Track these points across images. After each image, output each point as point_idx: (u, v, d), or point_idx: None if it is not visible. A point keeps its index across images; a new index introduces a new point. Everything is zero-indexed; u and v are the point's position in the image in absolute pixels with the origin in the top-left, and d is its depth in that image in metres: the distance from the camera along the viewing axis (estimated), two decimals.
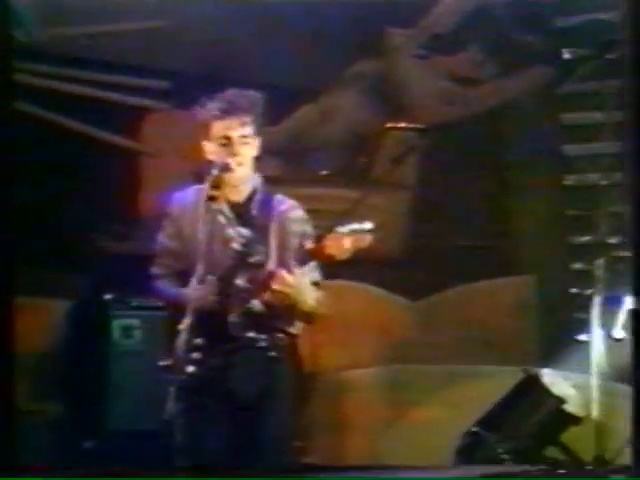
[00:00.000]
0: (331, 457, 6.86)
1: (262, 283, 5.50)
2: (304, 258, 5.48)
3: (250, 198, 5.57)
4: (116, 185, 7.15)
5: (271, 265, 5.50)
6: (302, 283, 5.44)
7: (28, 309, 6.07)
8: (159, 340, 5.70)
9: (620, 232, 6.83)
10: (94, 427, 6.61)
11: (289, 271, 5.43)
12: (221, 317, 5.50)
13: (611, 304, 6.17)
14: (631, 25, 5.66)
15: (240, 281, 5.51)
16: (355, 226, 5.33)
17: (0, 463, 5.57)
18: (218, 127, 5.51)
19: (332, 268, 5.50)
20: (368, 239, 5.35)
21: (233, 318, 5.48)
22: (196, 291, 5.53)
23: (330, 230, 5.34)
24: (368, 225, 5.33)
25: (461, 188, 7.52)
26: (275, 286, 5.41)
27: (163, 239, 5.66)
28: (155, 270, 5.63)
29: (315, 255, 5.42)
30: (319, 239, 5.42)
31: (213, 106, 5.54)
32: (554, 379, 6.32)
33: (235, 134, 5.50)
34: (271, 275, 5.47)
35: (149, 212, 6.67)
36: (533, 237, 7.71)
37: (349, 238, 5.35)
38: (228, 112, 5.53)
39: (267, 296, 5.47)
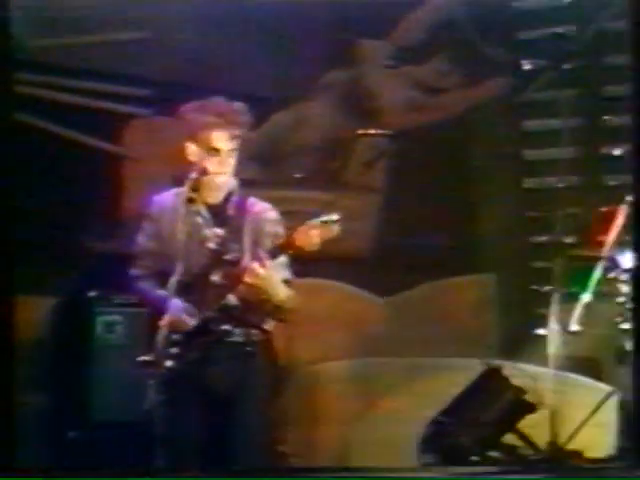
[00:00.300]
0: (304, 446, 6.85)
1: (236, 277, 5.52)
2: (275, 251, 5.52)
3: (226, 200, 5.61)
4: (100, 188, 7.17)
5: (246, 262, 5.52)
6: (273, 277, 5.46)
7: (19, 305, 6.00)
8: (140, 335, 5.80)
9: (576, 232, 6.87)
10: (78, 418, 6.63)
11: (261, 265, 5.44)
12: (199, 313, 5.55)
13: (567, 300, 6.17)
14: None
15: (216, 278, 5.56)
16: (323, 217, 5.40)
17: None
18: (209, 138, 5.56)
19: (306, 266, 5.58)
20: (335, 230, 5.40)
21: (210, 314, 5.53)
22: (173, 306, 5.54)
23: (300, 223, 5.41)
24: (335, 216, 5.40)
25: (428, 191, 7.55)
26: (247, 279, 5.44)
27: (143, 240, 5.71)
28: (135, 271, 5.70)
29: (286, 247, 5.48)
30: (289, 231, 5.49)
31: (205, 117, 5.60)
32: (514, 371, 6.32)
33: (225, 147, 5.55)
34: (244, 268, 5.48)
35: (131, 213, 6.68)
36: (496, 237, 7.75)
37: (317, 229, 5.42)
38: (220, 125, 5.59)
39: (241, 290, 5.49)
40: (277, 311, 5.61)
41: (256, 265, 5.44)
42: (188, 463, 5.64)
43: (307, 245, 5.45)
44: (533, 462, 6.04)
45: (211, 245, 5.60)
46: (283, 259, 5.61)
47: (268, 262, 5.46)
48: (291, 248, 5.48)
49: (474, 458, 5.97)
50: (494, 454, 6.02)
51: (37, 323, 6.87)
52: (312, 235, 5.44)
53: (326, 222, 5.40)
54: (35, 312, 6.80)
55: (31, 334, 6.78)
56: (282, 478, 5.92)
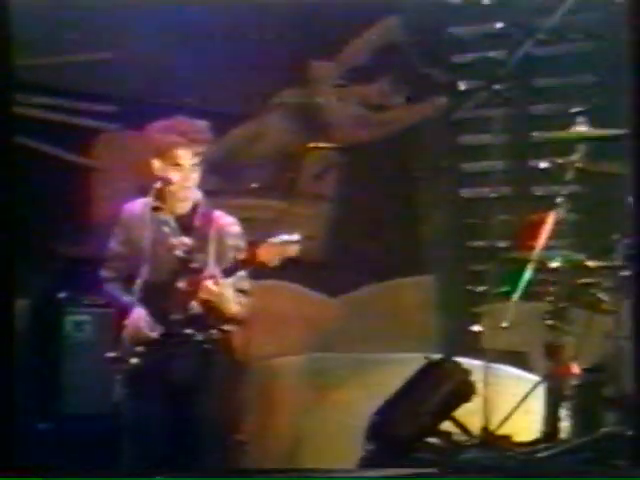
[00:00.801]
0: (261, 436, 6.85)
1: (198, 284, 5.59)
2: (238, 266, 5.56)
3: (193, 211, 5.66)
4: (73, 197, 7.16)
5: (209, 271, 5.58)
6: (226, 293, 5.54)
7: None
8: (107, 334, 5.86)
9: (508, 237, 6.86)
10: (48, 410, 6.61)
11: (215, 283, 5.52)
12: (163, 315, 5.60)
13: (500, 299, 6.21)
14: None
15: (181, 284, 5.60)
16: (285, 237, 5.48)
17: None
18: (173, 155, 5.61)
19: (263, 269, 5.60)
20: (295, 249, 5.51)
21: (173, 316, 5.60)
22: (135, 313, 5.62)
23: (263, 240, 5.50)
24: (296, 237, 5.51)
25: (374, 199, 7.57)
26: (202, 295, 5.55)
27: (113, 245, 5.73)
28: (105, 273, 5.72)
29: (249, 262, 5.53)
30: (253, 247, 5.54)
31: (169, 136, 5.66)
32: (451, 364, 6.27)
33: (188, 163, 5.61)
34: (200, 286, 5.56)
35: (102, 221, 6.65)
36: (436, 242, 7.75)
37: (279, 247, 5.49)
38: (183, 143, 5.64)
39: (201, 296, 5.57)
40: (229, 318, 5.65)
41: (211, 284, 5.52)
42: (152, 452, 5.63)
43: (268, 262, 5.51)
44: (467, 446, 6.01)
45: (178, 253, 5.61)
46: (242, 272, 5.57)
47: (221, 280, 5.52)
48: (253, 264, 5.52)
49: (414, 444, 5.97)
50: (432, 441, 6.02)
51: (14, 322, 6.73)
52: (273, 253, 5.49)
53: (287, 242, 5.48)
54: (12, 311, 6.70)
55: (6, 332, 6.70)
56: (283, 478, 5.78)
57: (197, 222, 5.64)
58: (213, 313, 5.66)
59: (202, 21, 7.24)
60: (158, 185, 5.70)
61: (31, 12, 6.54)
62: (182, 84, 7.19)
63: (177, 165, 5.61)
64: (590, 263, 6.13)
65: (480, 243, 7.43)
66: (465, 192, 7.72)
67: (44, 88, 7.15)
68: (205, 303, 5.63)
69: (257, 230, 5.94)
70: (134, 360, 5.62)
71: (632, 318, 5.97)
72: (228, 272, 5.51)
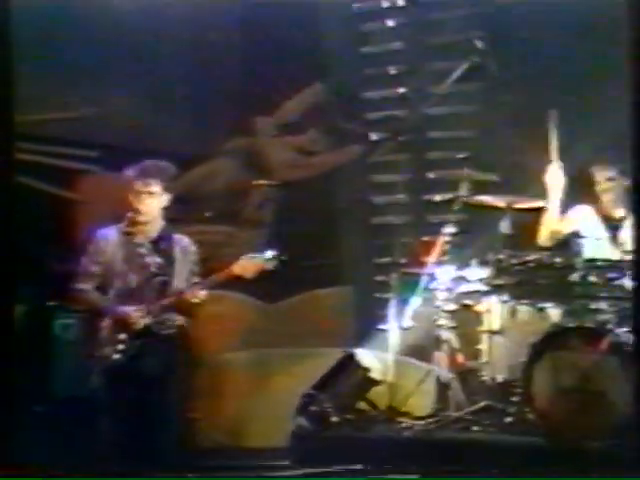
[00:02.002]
0: (212, 414, 6.68)
1: (162, 301, 5.68)
2: (216, 280, 5.67)
3: (160, 236, 5.77)
4: (63, 224, 7.06)
5: (174, 284, 5.69)
6: (187, 300, 5.66)
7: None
8: (88, 334, 5.79)
9: (407, 255, 6.91)
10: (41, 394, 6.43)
11: (194, 295, 5.65)
12: (133, 317, 5.66)
13: (401, 304, 6.25)
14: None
15: (150, 294, 5.70)
16: (257, 255, 5.69)
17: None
18: (138, 187, 5.74)
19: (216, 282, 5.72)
20: (270, 264, 5.71)
21: (143, 320, 5.68)
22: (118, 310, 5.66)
23: (239, 259, 5.66)
24: (269, 254, 5.72)
25: (304, 225, 7.43)
26: (166, 302, 5.69)
27: (88, 263, 5.79)
28: (81, 285, 5.79)
29: (227, 276, 5.68)
30: (229, 265, 5.67)
31: (136, 173, 5.79)
32: (364, 356, 6.29)
33: (155, 196, 5.73)
34: (166, 296, 5.68)
35: (84, 242, 6.21)
36: (353, 259, 7.65)
37: (252, 264, 5.67)
38: (145, 179, 5.75)
39: (167, 303, 5.69)
40: (188, 316, 5.79)
41: (190, 294, 5.64)
42: (123, 427, 5.61)
43: (244, 275, 5.65)
44: (376, 420, 6.08)
45: (152, 269, 5.70)
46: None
47: (200, 292, 5.65)
48: (231, 277, 5.68)
49: (334, 419, 5.98)
50: (349, 417, 6.04)
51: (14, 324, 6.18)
52: (248, 268, 5.67)
53: (260, 259, 5.67)
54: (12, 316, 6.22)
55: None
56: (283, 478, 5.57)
57: (163, 244, 5.75)
58: (181, 315, 5.72)
59: (169, 88, 7.33)
60: (130, 214, 5.78)
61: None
62: (151, 135, 7.20)
63: (146, 198, 5.72)
64: (469, 275, 6.21)
65: (386, 260, 7.40)
66: (375, 220, 7.69)
67: (40, 138, 7.08)
68: (177, 308, 5.68)
69: (210, 250, 6.09)
70: (108, 354, 5.64)
71: (500, 316, 6.02)
72: (207, 285, 5.65)
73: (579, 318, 5.86)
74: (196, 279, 5.70)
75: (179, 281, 5.70)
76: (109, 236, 5.80)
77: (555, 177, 6.37)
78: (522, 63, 6.93)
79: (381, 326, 6.50)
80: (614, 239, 6.37)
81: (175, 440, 5.73)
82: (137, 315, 5.64)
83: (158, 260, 5.70)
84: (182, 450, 5.80)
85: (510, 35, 6.93)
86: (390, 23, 7.59)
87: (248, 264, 5.65)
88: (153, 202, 5.71)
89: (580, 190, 6.51)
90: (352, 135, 7.70)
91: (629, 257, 5.98)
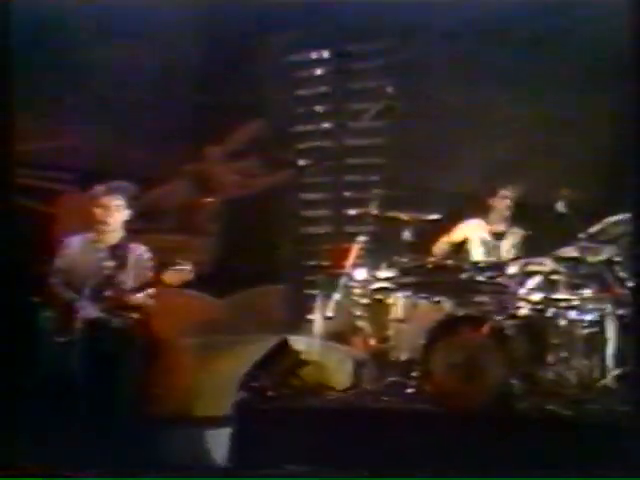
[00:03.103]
0: (170, 389, 6.43)
1: (122, 292, 5.71)
2: (150, 283, 5.71)
3: (119, 244, 5.83)
4: (45, 233, 6.90)
5: (128, 284, 5.73)
6: (137, 298, 5.71)
7: None
8: (57, 323, 5.72)
9: (329, 259, 7.02)
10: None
11: (131, 292, 5.70)
12: (88, 313, 5.70)
13: (325, 299, 6.36)
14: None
15: (109, 293, 5.74)
16: (181, 267, 5.67)
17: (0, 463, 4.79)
18: (104, 202, 5.81)
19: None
20: (189, 274, 5.68)
21: (101, 314, 5.73)
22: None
23: (168, 268, 5.67)
24: (189, 266, 5.69)
25: (247, 234, 7.45)
26: (116, 299, 5.74)
27: (59, 263, 5.86)
28: (54, 280, 5.85)
29: (158, 282, 5.72)
30: (163, 272, 5.68)
31: (102, 192, 5.84)
32: (295, 341, 6.44)
33: (118, 211, 5.80)
34: (121, 295, 5.72)
35: (62, 247, 6.03)
36: (285, 263, 7.70)
37: (179, 273, 5.68)
38: (110, 196, 5.82)
39: (117, 303, 5.73)
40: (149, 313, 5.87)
41: (139, 293, 5.68)
42: (90, 400, 5.56)
43: (171, 283, 5.72)
44: (306, 394, 6.18)
45: (107, 272, 5.75)
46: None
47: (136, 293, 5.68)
48: (162, 284, 5.74)
49: (271, 394, 6.08)
50: (283, 391, 6.15)
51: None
52: (174, 277, 5.68)
53: (182, 269, 5.67)
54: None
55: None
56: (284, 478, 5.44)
57: (119, 251, 5.82)
58: (132, 310, 5.77)
59: (133, 122, 7.24)
60: (97, 225, 5.86)
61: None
62: (117, 160, 7.19)
63: (110, 212, 5.82)
64: (379, 275, 6.44)
65: (313, 263, 7.63)
66: (303, 230, 7.88)
67: (26, 164, 6.82)
68: (127, 304, 5.72)
69: (167, 256, 6.00)
70: (76, 340, 5.64)
71: (404, 307, 6.15)
72: (149, 285, 5.76)
73: (466, 309, 6.12)
74: (147, 281, 5.73)
75: (131, 282, 5.74)
76: (76, 242, 5.90)
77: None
78: (423, 104, 7.14)
79: (309, 316, 6.67)
80: (496, 246, 6.66)
81: (132, 408, 5.70)
82: (91, 309, 5.67)
83: (113, 264, 5.75)
84: (139, 418, 5.74)
85: (414, 83, 7.13)
86: (318, 71, 7.87)
87: (173, 274, 5.65)
88: (116, 215, 5.79)
89: (470, 206, 6.78)
90: (285, 161, 7.78)
91: (507, 260, 6.35)
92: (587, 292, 6.02)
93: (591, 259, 5.98)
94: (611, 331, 5.91)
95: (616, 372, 5.83)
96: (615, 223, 6.02)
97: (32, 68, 6.57)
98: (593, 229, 6.06)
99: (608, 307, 5.93)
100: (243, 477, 5.52)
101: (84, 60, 7.06)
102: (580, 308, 5.99)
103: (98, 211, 5.81)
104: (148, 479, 5.13)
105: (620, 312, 5.89)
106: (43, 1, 6.68)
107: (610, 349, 5.90)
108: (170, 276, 5.64)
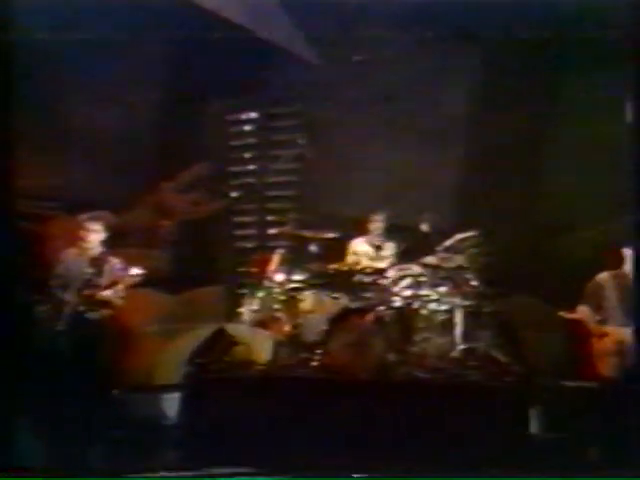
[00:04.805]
0: (134, 365, 6.48)
1: (95, 296, 5.87)
2: (115, 284, 5.82)
3: (97, 257, 5.99)
4: (42, 248, 6.81)
5: (103, 286, 5.86)
6: (110, 296, 5.88)
7: None
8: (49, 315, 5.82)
9: (255, 266, 6.91)
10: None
11: (105, 292, 5.85)
12: (75, 307, 5.85)
13: (252, 295, 6.40)
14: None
15: (89, 292, 5.85)
16: (135, 272, 5.83)
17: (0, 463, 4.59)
18: (87, 226, 6.00)
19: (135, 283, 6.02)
20: (139, 280, 5.79)
21: (82, 308, 5.83)
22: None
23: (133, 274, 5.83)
24: (140, 272, 5.80)
25: (197, 248, 7.53)
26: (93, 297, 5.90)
27: (57, 269, 5.98)
28: (53, 283, 5.98)
29: (128, 283, 5.85)
30: (129, 277, 5.80)
31: (86, 218, 6.04)
32: (230, 328, 6.44)
33: (97, 233, 5.99)
34: (98, 294, 5.88)
35: (59, 257, 6.06)
36: (222, 269, 7.67)
37: (141, 277, 5.79)
38: (91, 222, 6.01)
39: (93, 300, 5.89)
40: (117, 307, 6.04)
41: (109, 293, 5.82)
42: (72, 372, 5.60)
43: (136, 284, 5.87)
44: (238, 367, 6.11)
45: (87, 277, 5.92)
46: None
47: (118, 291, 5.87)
48: (128, 285, 5.87)
49: (212, 367, 5.99)
50: (221, 365, 6.03)
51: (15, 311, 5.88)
52: (137, 280, 5.86)
53: (135, 275, 5.87)
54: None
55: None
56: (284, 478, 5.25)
57: (98, 262, 6.01)
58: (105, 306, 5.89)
59: (106, 162, 7.27)
60: (82, 242, 6.05)
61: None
62: (95, 193, 7.06)
63: (92, 233, 6.04)
64: (294, 278, 6.57)
65: (243, 269, 7.60)
66: (236, 245, 7.86)
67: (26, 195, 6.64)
68: (102, 301, 5.82)
69: (133, 265, 6.01)
70: (64, 326, 5.72)
71: (311, 302, 6.18)
72: (113, 288, 5.94)
73: (357, 303, 6.35)
74: (117, 284, 5.88)
75: (105, 284, 5.89)
76: (66, 255, 6.09)
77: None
78: (325, 152, 7.38)
79: (240, 309, 6.62)
80: (378, 256, 6.78)
81: (105, 378, 5.77)
82: (74, 304, 5.80)
83: (92, 271, 5.91)
84: (111, 385, 5.81)
85: (319, 137, 7.31)
86: (247, 128, 8.18)
87: (137, 278, 5.80)
88: (96, 236, 6.06)
89: (358, 227, 6.82)
90: (221, 193, 7.93)
91: (385, 266, 6.56)
92: (443, 289, 6.46)
93: (446, 265, 6.44)
94: (459, 318, 6.38)
95: (463, 347, 6.31)
96: (463, 239, 6.43)
97: None
98: (447, 243, 6.45)
99: (457, 300, 6.42)
100: (243, 477, 5.34)
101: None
102: (438, 301, 6.44)
103: (82, 233, 6.06)
104: (148, 479, 4.89)
105: (466, 304, 6.43)
106: None
107: (458, 330, 6.33)
108: (134, 279, 5.89)
